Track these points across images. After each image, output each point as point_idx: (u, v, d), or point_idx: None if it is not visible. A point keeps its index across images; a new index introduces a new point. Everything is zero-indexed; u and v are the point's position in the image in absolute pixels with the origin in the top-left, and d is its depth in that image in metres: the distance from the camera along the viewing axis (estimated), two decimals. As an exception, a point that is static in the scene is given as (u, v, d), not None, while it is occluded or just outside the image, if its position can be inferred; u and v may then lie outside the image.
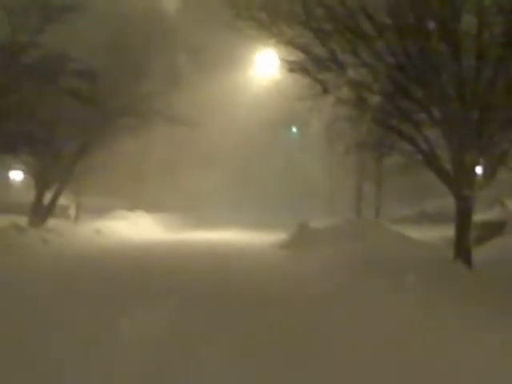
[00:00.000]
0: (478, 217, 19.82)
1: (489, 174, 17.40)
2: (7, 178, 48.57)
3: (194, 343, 8.93)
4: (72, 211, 40.81)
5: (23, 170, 40.82)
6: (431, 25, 16.18)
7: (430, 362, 8.22)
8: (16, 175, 47.57)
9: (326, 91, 18.11)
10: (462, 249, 16.78)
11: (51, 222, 31.50)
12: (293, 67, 18.70)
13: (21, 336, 9.11)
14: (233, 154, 44.68)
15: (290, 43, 18.18)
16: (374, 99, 17.84)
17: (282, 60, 20.06)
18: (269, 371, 7.65)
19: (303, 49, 17.92)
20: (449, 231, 18.08)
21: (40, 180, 32.66)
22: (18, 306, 11.60)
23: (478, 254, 17.28)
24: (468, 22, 15.87)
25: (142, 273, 17.88)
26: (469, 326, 10.20)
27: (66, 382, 7.15)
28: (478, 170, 17.45)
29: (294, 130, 47.06)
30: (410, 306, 12.07)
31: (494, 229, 22.34)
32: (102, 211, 39.09)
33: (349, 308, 12.21)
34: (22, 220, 29.52)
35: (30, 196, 33.58)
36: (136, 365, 7.78)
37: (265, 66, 26.45)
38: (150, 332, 9.27)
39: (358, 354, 8.60)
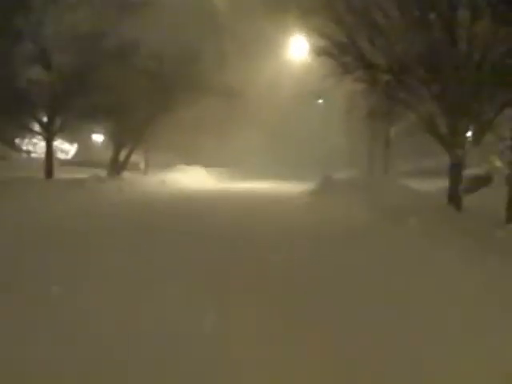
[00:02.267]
0: (468, 172, 19.86)
1: (477, 137, 17.42)
2: (90, 139, 48.93)
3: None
4: (142, 165, 41.13)
5: (103, 133, 41.31)
6: (432, 16, 16.18)
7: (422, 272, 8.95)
8: (97, 137, 47.94)
9: (346, 71, 18.30)
10: (454, 197, 16.93)
11: (125, 175, 31.85)
12: (319, 51, 18.83)
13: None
14: (272, 120, 44.63)
15: (317, 32, 18.29)
16: (384, 77, 17.90)
17: (311, 45, 20.24)
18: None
19: (328, 36, 18.00)
20: (444, 183, 18.15)
21: (116, 141, 33.10)
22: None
23: (467, 201, 17.41)
24: (462, 14, 15.87)
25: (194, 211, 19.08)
26: (454, 247, 10.90)
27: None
28: (469, 134, 17.49)
29: (320, 101, 47.01)
30: (415, 236, 12.48)
31: (481, 182, 22.34)
32: (165, 166, 39.39)
33: (367, 240, 12.62)
34: (102, 173, 29.95)
35: (108, 154, 34.03)
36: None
37: (298, 50, 26.53)
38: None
39: (374, 268, 9.47)
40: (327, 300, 7.41)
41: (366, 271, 9.19)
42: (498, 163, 21.95)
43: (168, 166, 39.68)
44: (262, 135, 47.71)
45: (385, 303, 7.23)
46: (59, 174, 28.04)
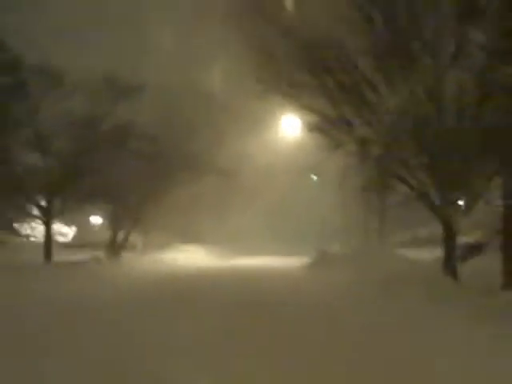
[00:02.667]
0: (462, 239, 19.85)
1: (468, 207, 17.42)
2: (88, 221, 48.98)
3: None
4: (140, 246, 41.09)
5: (100, 215, 41.39)
6: (419, 90, 16.34)
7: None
8: (95, 219, 48.00)
9: (337, 146, 18.39)
10: (450, 266, 16.86)
11: (124, 255, 31.76)
12: (311, 127, 19.00)
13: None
14: (268, 196, 44.91)
15: (309, 108, 18.48)
16: (376, 151, 17.98)
17: (303, 122, 20.45)
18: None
19: (319, 112, 18.19)
20: (439, 252, 18.10)
21: (114, 222, 33.13)
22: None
23: (462, 269, 17.34)
24: (450, 88, 16.04)
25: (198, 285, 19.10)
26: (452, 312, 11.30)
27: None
28: (460, 203, 17.50)
29: (314, 176, 47.27)
30: (412, 307, 12.30)
31: (475, 249, 22.30)
32: (163, 245, 39.34)
33: (361, 309, 12.87)
34: (102, 254, 29.87)
35: (107, 235, 34.00)
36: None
37: (290, 126, 26.76)
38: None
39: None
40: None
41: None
42: (490, 231, 21.97)
43: (166, 245, 39.63)
44: (258, 211, 47.93)
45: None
46: (59, 256, 27.98)
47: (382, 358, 7.92)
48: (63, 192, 26.80)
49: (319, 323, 10.99)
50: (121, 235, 33.41)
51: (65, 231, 48.51)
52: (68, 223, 47.73)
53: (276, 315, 11.92)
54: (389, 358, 7.91)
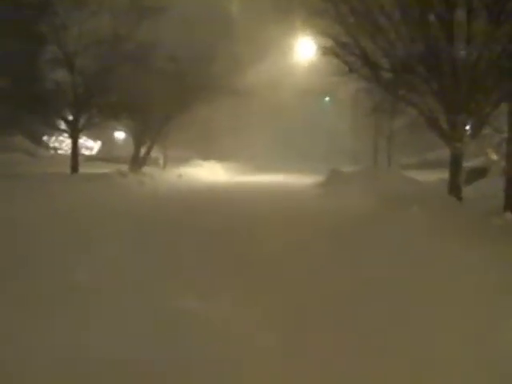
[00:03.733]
0: (467, 164, 19.86)
1: (475, 131, 17.34)
2: (113, 136, 49.07)
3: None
4: (161, 161, 41.25)
5: (124, 131, 41.42)
6: (431, 17, 16.11)
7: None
8: (119, 135, 48.06)
9: (351, 70, 18.27)
10: (454, 187, 16.87)
11: (145, 169, 31.92)
12: (325, 51, 18.79)
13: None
14: (282, 117, 44.81)
15: (323, 33, 18.28)
16: (387, 75, 17.88)
17: (318, 46, 20.23)
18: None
19: (333, 37, 18.00)
20: (445, 175, 18.13)
21: (137, 138, 33.22)
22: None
23: (466, 191, 17.45)
24: (460, 15, 15.78)
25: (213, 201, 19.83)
26: (453, 234, 11.00)
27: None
28: (468, 128, 17.40)
29: (327, 99, 47.03)
30: (418, 221, 12.42)
31: (478, 173, 22.33)
32: (183, 161, 39.44)
33: (372, 221, 13.20)
34: (124, 168, 30.05)
35: (130, 150, 34.16)
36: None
37: (305, 50, 26.46)
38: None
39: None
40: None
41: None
42: (494, 156, 21.91)
43: (185, 160, 39.72)
44: (273, 131, 47.85)
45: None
46: (84, 169, 28.20)
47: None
48: (89, 107, 26.83)
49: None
50: (143, 150, 33.53)
51: (90, 145, 48.76)
52: (94, 138, 47.93)
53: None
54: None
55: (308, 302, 6.64)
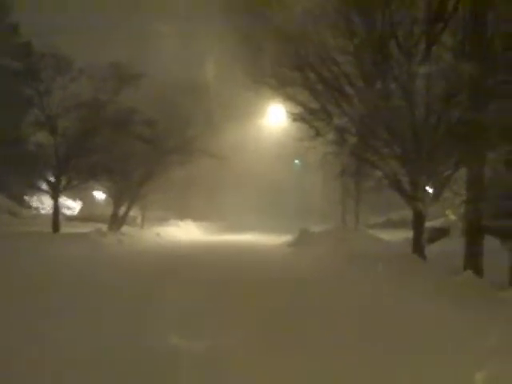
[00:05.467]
0: (430, 223, 20.02)
1: (436, 193, 17.50)
2: (93, 196, 48.83)
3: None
4: (139, 220, 41.10)
5: (103, 191, 41.33)
6: (392, 86, 16.41)
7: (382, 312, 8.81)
8: (98, 194, 47.84)
9: (318, 134, 18.58)
10: (418, 246, 17.01)
11: (124, 228, 31.78)
12: (295, 117, 19.11)
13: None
14: (254, 179, 45.17)
15: (293, 99, 18.63)
16: (352, 139, 18.12)
17: (287, 111, 20.54)
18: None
19: (301, 103, 18.32)
20: (409, 234, 18.27)
21: (116, 198, 33.15)
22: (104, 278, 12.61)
23: (429, 250, 17.58)
24: (420, 84, 16.10)
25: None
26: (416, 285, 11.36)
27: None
28: (429, 189, 17.59)
29: (297, 161, 47.45)
30: (380, 280, 12.45)
31: (441, 232, 22.50)
32: (160, 220, 39.43)
33: (333, 280, 13.14)
34: (104, 227, 29.93)
35: (109, 210, 34.04)
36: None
37: (276, 115, 26.85)
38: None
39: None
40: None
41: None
42: (453, 217, 22.10)
43: (163, 220, 39.71)
44: (246, 192, 48.08)
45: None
46: (65, 228, 28.02)
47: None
48: (70, 168, 26.85)
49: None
50: (122, 210, 33.43)
51: (71, 205, 48.48)
52: (74, 197, 47.72)
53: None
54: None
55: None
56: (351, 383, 5.72)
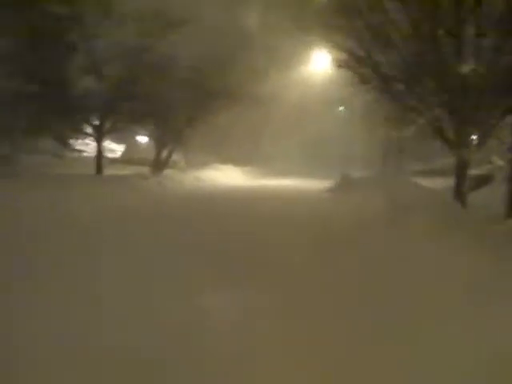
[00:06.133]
0: (472, 171, 19.92)
1: (481, 141, 17.43)
2: (135, 140, 49.14)
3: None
4: (181, 164, 41.38)
5: (147, 135, 41.70)
6: (441, 32, 16.23)
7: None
8: (142, 139, 48.17)
9: (363, 81, 18.47)
10: (460, 194, 17.01)
11: (166, 172, 32.16)
12: (340, 64, 19.02)
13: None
14: (298, 125, 45.02)
15: (339, 47, 18.50)
16: (398, 87, 18.04)
17: (333, 58, 20.48)
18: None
19: (347, 51, 18.21)
20: (450, 182, 18.20)
21: (158, 142, 33.47)
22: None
23: (471, 198, 17.55)
24: (469, 30, 15.90)
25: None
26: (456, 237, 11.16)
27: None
28: (473, 137, 17.53)
29: (342, 108, 47.15)
30: (422, 227, 12.41)
31: (484, 180, 22.41)
32: (202, 164, 39.58)
33: (377, 228, 13.23)
34: (146, 170, 30.38)
35: (151, 153, 34.41)
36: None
37: (320, 62, 26.69)
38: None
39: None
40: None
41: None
42: (500, 162, 21.94)
43: (205, 164, 39.88)
44: (289, 138, 47.95)
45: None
46: (108, 170, 28.54)
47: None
48: (114, 113, 27.22)
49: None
50: (164, 154, 33.73)
51: (114, 148, 48.93)
52: (117, 141, 48.12)
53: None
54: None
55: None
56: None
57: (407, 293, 7.22)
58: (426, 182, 23.73)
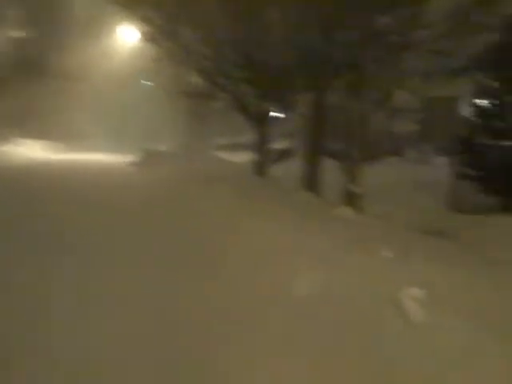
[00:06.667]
0: (273, 146, 20.80)
1: (282, 116, 18.23)
2: None
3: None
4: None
5: None
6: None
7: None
8: None
9: (169, 56, 18.54)
10: (261, 167, 17.77)
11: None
12: (146, 37, 18.97)
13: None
14: (103, 100, 44.13)
15: (144, 19, 18.36)
16: (204, 63, 18.25)
17: (139, 31, 20.40)
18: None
19: (153, 24, 18.11)
20: (254, 156, 18.84)
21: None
22: None
23: (273, 171, 18.35)
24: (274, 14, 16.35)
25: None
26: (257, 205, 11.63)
27: None
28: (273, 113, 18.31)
29: (146, 82, 46.87)
30: (219, 196, 12.68)
31: (284, 154, 23.51)
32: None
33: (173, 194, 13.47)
34: None
35: None
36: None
37: (127, 35, 26.47)
38: None
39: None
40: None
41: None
42: (296, 139, 23.02)
43: (5, 139, 38.07)
44: (93, 113, 46.98)
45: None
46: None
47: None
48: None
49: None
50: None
51: None
52: None
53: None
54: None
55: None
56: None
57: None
58: (230, 157, 24.43)
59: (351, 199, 14.33)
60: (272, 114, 18.77)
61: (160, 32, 18.05)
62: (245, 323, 5.31)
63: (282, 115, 18.83)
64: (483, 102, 17.41)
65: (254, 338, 5.01)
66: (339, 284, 6.19)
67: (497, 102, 16.54)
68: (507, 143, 15.42)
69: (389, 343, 4.93)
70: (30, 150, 35.28)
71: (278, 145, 23.72)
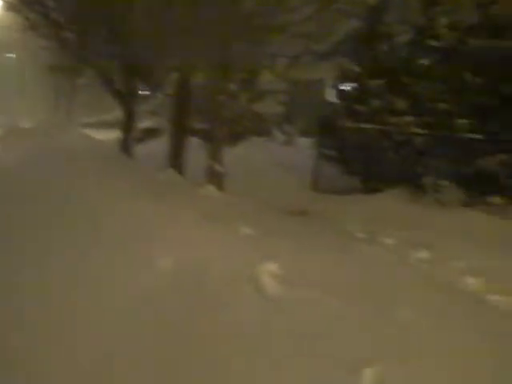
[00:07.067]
0: (140, 124, 20.69)
1: (147, 96, 18.12)
2: None
3: None
4: None
5: None
6: None
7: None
8: None
9: (33, 27, 17.86)
10: (126, 146, 17.64)
11: None
12: (9, 7, 18.32)
13: None
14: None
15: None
16: (68, 35, 17.73)
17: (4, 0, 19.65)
18: None
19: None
20: (120, 134, 18.59)
21: None
22: None
23: (138, 150, 18.23)
24: None
25: None
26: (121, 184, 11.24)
27: None
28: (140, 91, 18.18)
29: (11, 55, 45.20)
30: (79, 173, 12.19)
31: (151, 133, 23.44)
32: None
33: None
34: None
35: None
36: None
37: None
38: None
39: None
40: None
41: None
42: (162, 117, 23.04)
43: None
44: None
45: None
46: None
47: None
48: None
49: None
50: None
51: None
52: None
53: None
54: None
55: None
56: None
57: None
58: (96, 134, 24.05)
59: (214, 178, 14.46)
60: (140, 91, 18.60)
61: (23, 1, 17.42)
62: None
63: (150, 93, 18.64)
64: (346, 86, 18.16)
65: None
66: (197, 261, 6.16)
67: (359, 86, 17.21)
68: (367, 126, 16.05)
69: (245, 318, 4.95)
70: None
71: (146, 123, 23.60)
